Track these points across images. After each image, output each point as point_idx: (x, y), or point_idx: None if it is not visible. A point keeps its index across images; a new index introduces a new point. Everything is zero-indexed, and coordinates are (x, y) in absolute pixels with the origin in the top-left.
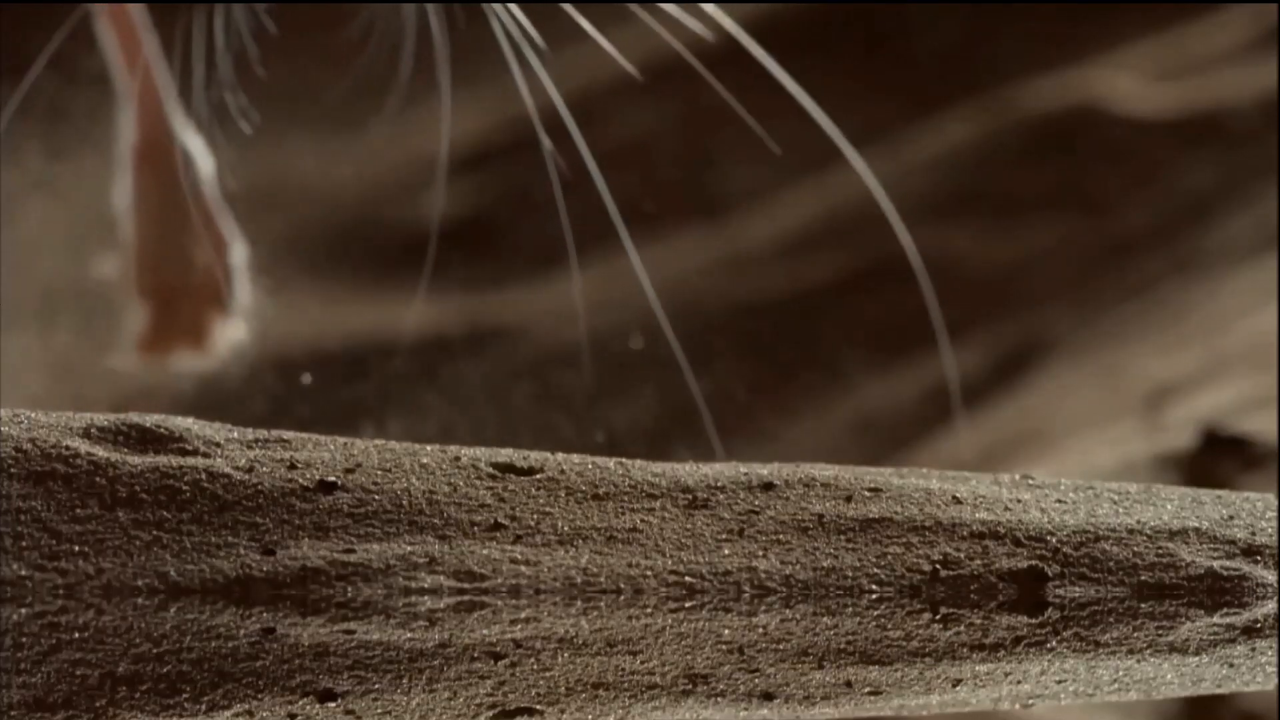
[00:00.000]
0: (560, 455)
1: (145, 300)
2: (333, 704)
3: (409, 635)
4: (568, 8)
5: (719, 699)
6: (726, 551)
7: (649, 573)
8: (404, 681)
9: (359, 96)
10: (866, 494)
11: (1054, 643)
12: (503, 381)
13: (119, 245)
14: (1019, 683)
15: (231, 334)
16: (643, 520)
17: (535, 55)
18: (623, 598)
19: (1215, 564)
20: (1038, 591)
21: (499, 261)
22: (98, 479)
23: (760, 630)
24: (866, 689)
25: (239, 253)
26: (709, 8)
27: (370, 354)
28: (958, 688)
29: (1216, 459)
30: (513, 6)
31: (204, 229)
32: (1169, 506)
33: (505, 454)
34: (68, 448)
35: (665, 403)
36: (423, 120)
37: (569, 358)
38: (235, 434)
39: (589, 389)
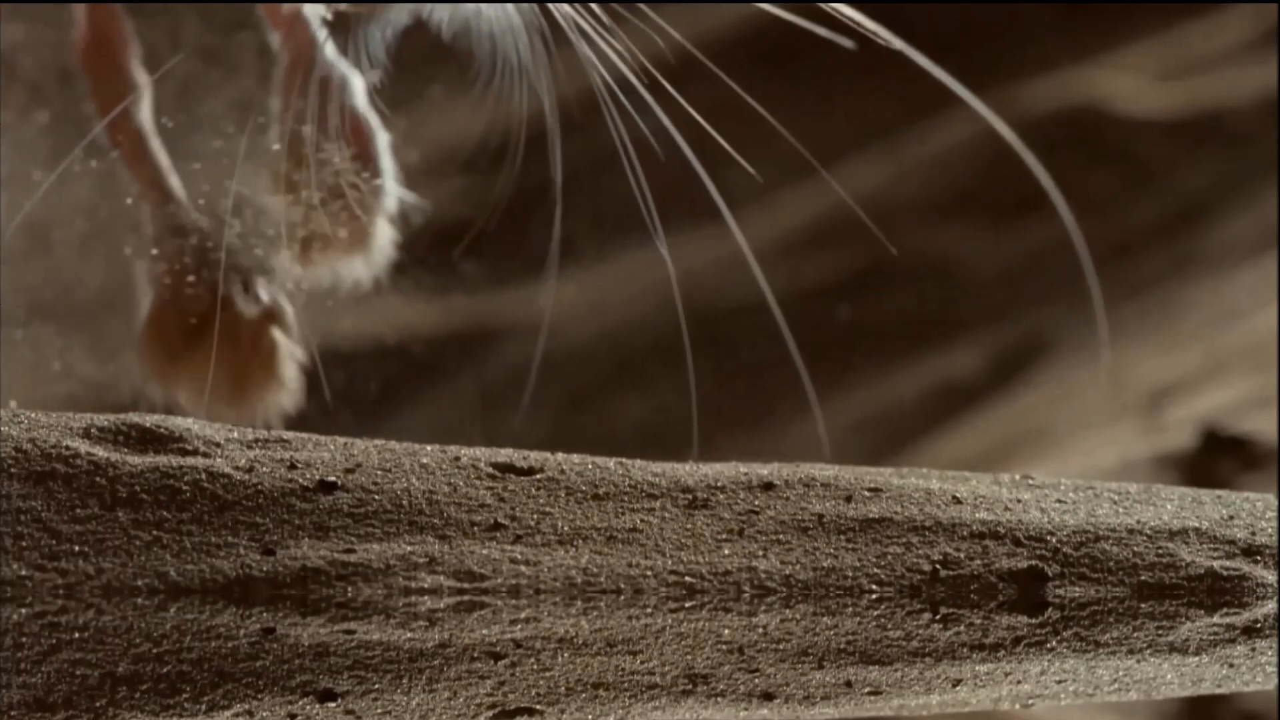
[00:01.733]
0: (560, 455)
1: (296, 208)
2: (333, 704)
3: (409, 635)
4: (614, 7)
5: (719, 699)
6: (726, 551)
7: (649, 573)
8: (404, 681)
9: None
10: (866, 494)
11: (1054, 643)
12: (506, 380)
13: (273, 163)
14: (1019, 683)
15: (385, 235)
16: (643, 520)
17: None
18: (623, 598)
19: (1215, 564)
20: (1038, 591)
21: (504, 261)
22: (98, 479)
23: (760, 630)
24: (866, 689)
25: (385, 151)
26: (843, 8)
27: (375, 353)
28: (958, 688)
29: (1216, 459)
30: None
31: (353, 139)
32: (1169, 506)
33: (505, 454)
34: (68, 448)
35: (678, 402)
36: (438, 118)
37: (574, 356)
38: (235, 434)
39: (604, 384)
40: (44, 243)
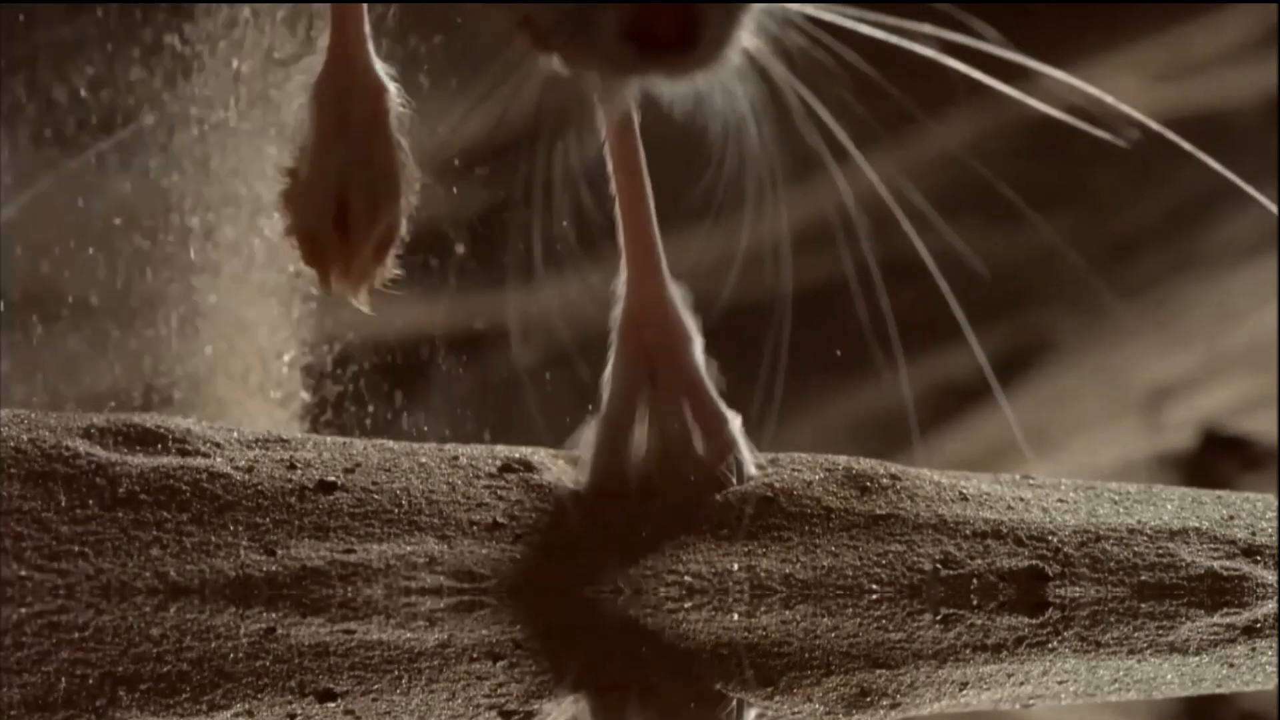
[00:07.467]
0: (560, 454)
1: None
2: (333, 704)
3: (409, 635)
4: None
5: (719, 699)
6: (727, 551)
7: (649, 572)
8: (404, 681)
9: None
10: (872, 490)
11: (1055, 643)
12: (506, 380)
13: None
14: (1020, 684)
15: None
16: (643, 519)
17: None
18: (622, 598)
19: (1215, 564)
20: (1038, 591)
21: (499, 261)
22: (98, 479)
23: (760, 630)
24: (870, 691)
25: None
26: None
27: (376, 353)
28: (962, 691)
29: (1216, 459)
30: None
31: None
32: (1169, 506)
33: (504, 453)
34: (68, 448)
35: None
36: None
37: (576, 355)
38: (235, 434)
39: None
40: None
